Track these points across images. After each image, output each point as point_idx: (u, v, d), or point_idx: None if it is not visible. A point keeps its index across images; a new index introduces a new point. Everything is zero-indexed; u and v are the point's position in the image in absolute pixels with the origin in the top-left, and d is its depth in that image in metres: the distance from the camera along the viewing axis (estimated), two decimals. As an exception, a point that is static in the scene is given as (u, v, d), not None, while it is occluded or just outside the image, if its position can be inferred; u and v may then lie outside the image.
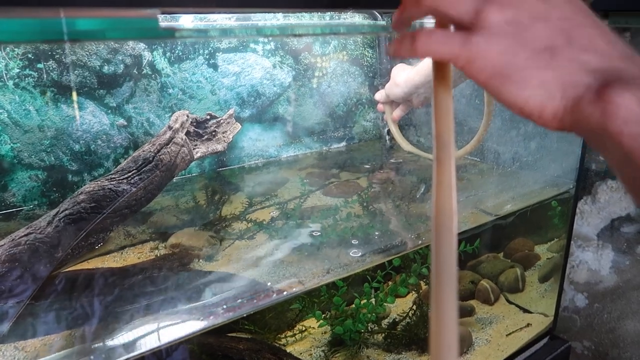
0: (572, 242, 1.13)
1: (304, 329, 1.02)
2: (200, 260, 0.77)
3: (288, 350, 0.94)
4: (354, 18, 1.22)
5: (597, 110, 0.28)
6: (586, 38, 0.31)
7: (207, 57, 1.06)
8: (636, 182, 0.28)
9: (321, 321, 0.98)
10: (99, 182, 0.76)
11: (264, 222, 0.88)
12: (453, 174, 0.33)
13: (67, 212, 0.70)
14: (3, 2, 0.36)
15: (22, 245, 0.65)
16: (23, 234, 0.66)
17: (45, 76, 0.88)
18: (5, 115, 0.86)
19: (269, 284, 0.68)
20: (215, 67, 1.07)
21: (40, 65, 0.87)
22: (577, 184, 1.05)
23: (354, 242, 0.79)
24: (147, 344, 0.58)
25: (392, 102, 0.87)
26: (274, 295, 0.67)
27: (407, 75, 0.79)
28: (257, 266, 0.74)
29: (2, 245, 0.65)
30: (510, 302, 1.17)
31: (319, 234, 0.83)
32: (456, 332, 0.31)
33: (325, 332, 1.03)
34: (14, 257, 0.64)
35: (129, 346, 0.58)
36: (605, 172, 1.09)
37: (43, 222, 0.69)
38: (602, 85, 0.29)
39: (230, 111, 1.00)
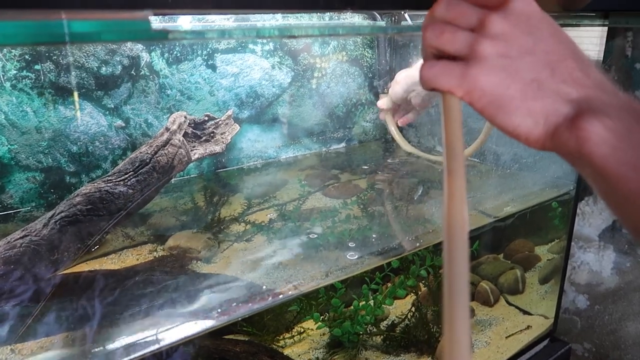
0: (573, 243, 1.13)
1: (302, 330, 1.01)
2: (198, 263, 0.76)
3: (286, 352, 0.94)
4: (353, 18, 1.22)
5: (572, 136, 0.33)
6: (567, 70, 0.35)
7: (206, 58, 1.05)
8: (609, 195, 0.33)
9: (319, 323, 0.98)
10: (95, 184, 0.76)
11: (263, 224, 0.88)
12: (464, 184, 0.35)
13: (63, 214, 0.70)
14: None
15: (18, 248, 0.65)
16: (19, 237, 0.66)
17: (42, 77, 0.87)
18: (3, 117, 0.85)
19: (264, 287, 0.67)
20: (213, 68, 1.07)
21: (37, 67, 0.87)
22: (578, 185, 1.04)
23: (352, 244, 0.79)
24: (144, 347, 0.58)
25: (394, 106, 0.87)
26: (271, 298, 0.67)
27: (407, 73, 0.83)
28: (255, 269, 0.73)
29: (-3, 248, 0.65)
30: (510, 304, 1.16)
31: (317, 236, 0.82)
32: (469, 343, 0.32)
33: (323, 334, 1.02)
34: (10, 259, 0.64)
35: (125, 349, 0.58)
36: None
37: (39, 225, 0.69)
38: (577, 114, 0.33)
39: (229, 112, 1.00)
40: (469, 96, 0.37)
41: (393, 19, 1.14)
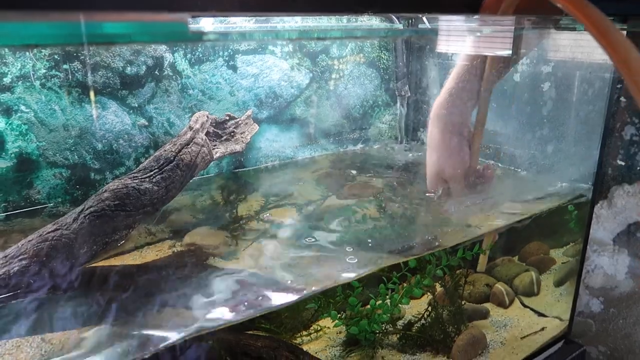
0: (587, 246, 1.13)
1: (319, 328, 1.03)
2: (217, 259, 0.78)
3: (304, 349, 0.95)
4: (371, 21, 1.23)
5: None
6: None
7: (227, 58, 1.07)
8: None
9: (337, 321, 0.99)
10: (122, 181, 0.78)
11: (281, 223, 0.89)
12: None
13: (92, 209, 0.72)
14: (36, 6, 0.38)
15: (50, 241, 0.67)
16: (50, 230, 0.68)
17: (70, 77, 0.90)
18: (32, 115, 0.88)
19: (286, 283, 0.69)
20: (234, 68, 1.09)
21: (65, 66, 0.89)
22: (595, 188, 1.04)
23: (369, 244, 0.80)
24: (167, 339, 0.60)
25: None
26: (291, 294, 0.68)
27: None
28: (274, 266, 0.75)
29: (30, 241, 0.67)
30: (525, 306, 1.17)
31: (336, 234, 0.84)
32: None
33: (340, 332, 1.04)
34: (42, 252, 0.66)
35: (149, 341, 0.60)
36: (622, 177, 1.08)
37: (69, 219, 0.71)
38: None
39: (248, 112, 1.02)
40: None
41: (410, 21, 1.15)
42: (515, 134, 1.16)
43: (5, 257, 0.65)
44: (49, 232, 0.68)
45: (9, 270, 0.64)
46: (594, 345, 1.16)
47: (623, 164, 1.06)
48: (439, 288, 1.07)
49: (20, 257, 0.65)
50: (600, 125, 0.99)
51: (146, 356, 0.58)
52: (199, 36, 0.49)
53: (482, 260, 1.07)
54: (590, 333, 1.17)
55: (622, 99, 1.02)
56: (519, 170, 1.16)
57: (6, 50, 0.83)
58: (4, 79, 0.85)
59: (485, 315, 1.11)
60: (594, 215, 1.12)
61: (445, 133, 0.92)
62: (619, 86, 1.01)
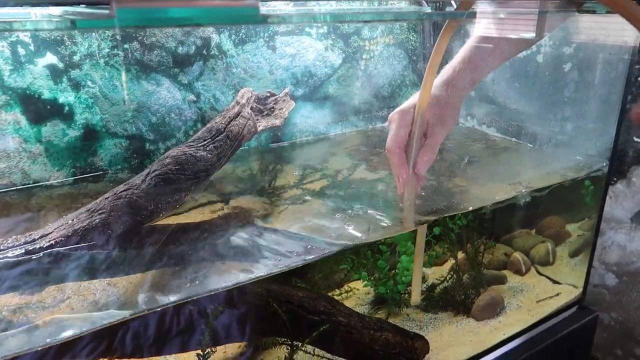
0: (604, 223, 1.19)
1: (349, 289, 1.12)
2: (259, 221, 0.88)
3: (336, 305, 1.05)
4: (400, 4, 1.30)
5: None
6: None
7: (267, 39, 1.16)
8: None
9: (366, 282, 1.08)
10: (180, 148, 0.87)
11: (315, 191, 0.98)
12: None
13: (157, 172, 0.82)
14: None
15: (123, 199, 0.77)
16: (123, 189, 0.79)
17: (129, 56, 0.99)
18: (97, 90, 0.98)
19: (324, 239, 0.78)
20: (273, 49, 1.17)
21: (126, 46, 0.98)
22: (611, 163, 1.10)
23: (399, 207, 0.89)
24: (221, 284, 0.70)
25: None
26: (327, 249, 0.77)
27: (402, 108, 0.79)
28: (310, 226, 0.84)
29: (107, 198, 0.77)
30: (540, 274, 1.24)
31: (367, 199, 0.92)
32: None
33: (368, 293, 1.13)
34: (117, 207, 0.76)
35: (207, 285, 0.69)
36: (641, 156, 1.14)
37: (138, 180, 0.81)
38: None
39: (286, 90, 1.10)
40: None
41: (438, 4, 1.21)
42: (538, 111, 1.22)
43: (88, 210, 0.76)
44: (121, 191, 0.78)
45: (91, 222, 0.74)
46: (607, 312, 1.23)
47: (642, 143, 1.11)
48: (460, 255, 1.16)
49: (100, 212, 0.75)
50: (618, 104, 1.05)
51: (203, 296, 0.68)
52: (264, 19, 0.58)
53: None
54: (604, 302, 1.24)
55: (640, 79, 1.08)
56: (538, 145, 1.23)
57: (76, 31, 0.93)
58: (74, 57, 0.95)
59: (502, 280, 1.19)
60: (612, 194, 1.17)
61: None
62: (637, 67, 1.06)
